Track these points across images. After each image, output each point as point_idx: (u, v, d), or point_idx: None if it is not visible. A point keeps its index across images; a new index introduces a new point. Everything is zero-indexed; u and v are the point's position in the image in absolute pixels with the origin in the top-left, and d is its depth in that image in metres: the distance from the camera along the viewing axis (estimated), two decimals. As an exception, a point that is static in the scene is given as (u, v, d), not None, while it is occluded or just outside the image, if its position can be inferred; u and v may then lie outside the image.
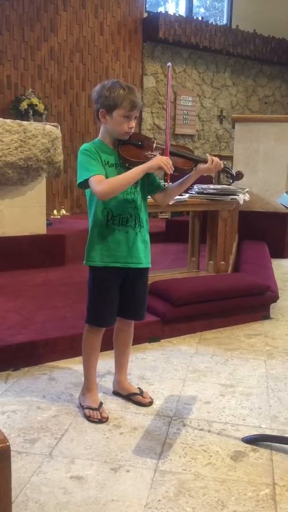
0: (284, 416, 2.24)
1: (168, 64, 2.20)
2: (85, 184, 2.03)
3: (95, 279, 2.17)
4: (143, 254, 2.17)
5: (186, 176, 2.16)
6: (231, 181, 2.45)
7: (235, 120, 6.37)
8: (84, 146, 2.09)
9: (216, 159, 2.14)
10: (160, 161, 1.99)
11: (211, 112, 9.87)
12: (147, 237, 2.20)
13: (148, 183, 2.18)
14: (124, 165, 2.07)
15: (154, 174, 2.21)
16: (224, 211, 3.90)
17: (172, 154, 2.11)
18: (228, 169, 2.38)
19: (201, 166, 2.13)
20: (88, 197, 2.14)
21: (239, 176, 2.40)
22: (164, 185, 2.14)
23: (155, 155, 2.06)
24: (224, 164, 2.27)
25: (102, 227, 2.10)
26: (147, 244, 2.20)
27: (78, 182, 2.05)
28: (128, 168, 2.07)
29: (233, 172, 2.36)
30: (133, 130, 2.08)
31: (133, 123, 2.06)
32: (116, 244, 2.10)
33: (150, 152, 2.07)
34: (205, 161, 2.13)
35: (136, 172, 2.01)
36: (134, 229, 2.12)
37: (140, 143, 2.09)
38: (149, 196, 2.23)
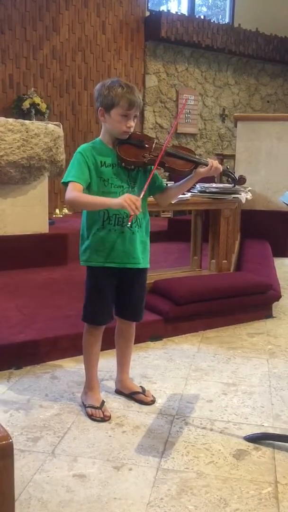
0: (287, 414, 2.24)
1: (185, 96, 2.21)
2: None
3: (90, 278, 2.18)
4: (141, 254, 2.15)
5: (186, 178, 2.15)
6: (233, 185, 2.45)
7: (238, 118, 6.36)
8: (81, 147, 2.10)
9: (216, 163, 2.11)
10: (123, 201, 1.88)
11: (213, 111, 9.85)
12: (146, 238, 2.19)
13: (150, 183, 2.17)
14: (120, 164, 2.07)
15: (157, 174, 2.21)
16: (226, 210, 3.90)
17: (171, 155, 2.09)
18: (229, 173, 2.37)
19: (200, 169, 2.12)
20: None
21: (241, 180, 2.39)
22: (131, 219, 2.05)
23: (154, 156, 2.05)
24: (227, 168, 2.27)
25: (98, 226, 2.09)
26: (145, 244, 2.18)
27: (61, 181, 2.07)
28: (125, 168, 2.07)
29: (235, 175, 2.35)
30: (132, 130, 2.07)
31: (131, 122, 2.05)
32: (112, 244, 2.09)
33: (148, 153, 2.06)
34: (205, 164, 2.11)
35: (101, 202, 1.99)
36: (131, 229, 2.10)
37: (139, 143, 2.08)
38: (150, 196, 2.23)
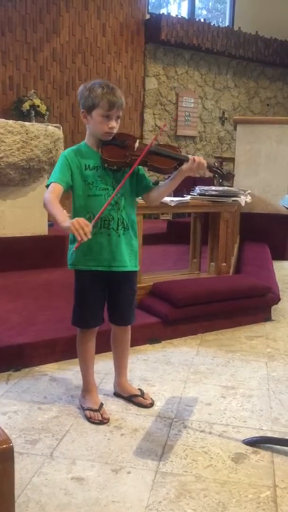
0: (285, 418, 2.24)
1: (164, 125, 2.20)
2: None
3: (78, 281, 2.18)
4: (128, 257, 2.14)
5: (171, 176, 2.13)
6: (220, 180, 2.44)
7: (237, 121, 6.37)
8: (67, 150, 2.10)
9: (198, 158, 2.08)
10: (72, 225, 1.81)
11: (213, 114, 9.87)
12: (134, 240, 2.17)
13: (137, 183, 2.16)
14: (103, 166, 2.06)
15: (144, 174, 2.18)
16: (226, 212, 3.90)
17: (153, 153, 2.07)
18: (216, 169, 2.35)
19: (184, 166, 2.08)
20: (73, 199, 2.14)
21: (228, 176, 2.37)
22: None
23: (137, 155, 2.03)
24: (214, 164, 2.24)
25: None
26: (133, 246, 2.16)
27: (46, 184, 2.07)
28: (110, 170, 2.06)
29: (223, 171, 2.34)
30: (115, 130, 2.05)
31: (113, 123, 2.03)
32: (98, 247, 2.09)
33: (131, 153, 2.04)
34: (187, 160, 2.08)
35: (57, 218, 1.92)
36: (117, 231, 2.09)
37: (122, 143, 2.06)
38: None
